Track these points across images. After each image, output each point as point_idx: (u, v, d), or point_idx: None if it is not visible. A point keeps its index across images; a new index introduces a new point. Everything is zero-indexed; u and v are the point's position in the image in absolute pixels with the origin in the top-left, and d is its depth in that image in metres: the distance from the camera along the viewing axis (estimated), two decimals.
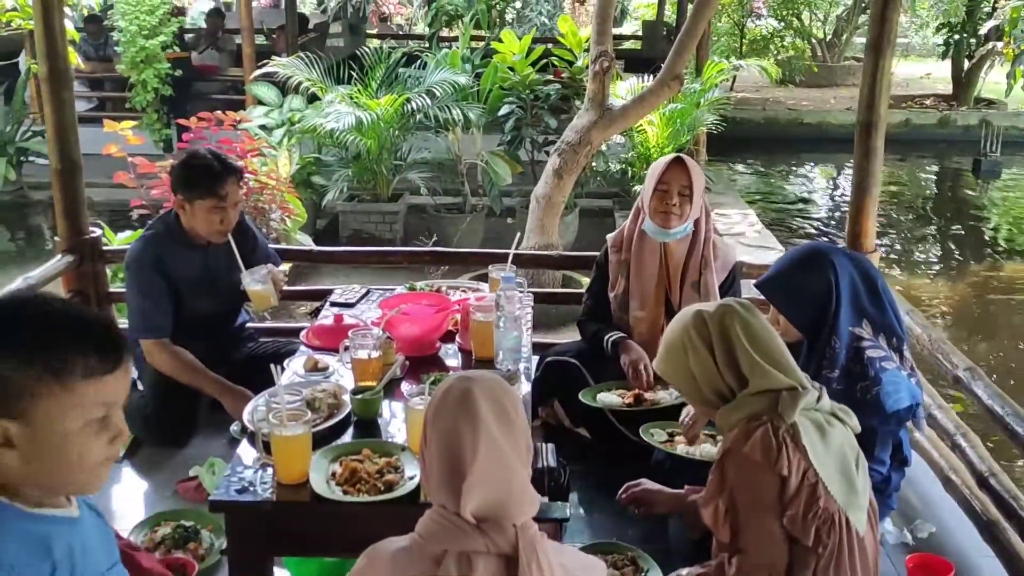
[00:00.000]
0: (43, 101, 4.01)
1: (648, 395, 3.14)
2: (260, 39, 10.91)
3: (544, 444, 2.46)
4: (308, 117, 7.76)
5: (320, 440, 2.38)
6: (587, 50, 6.29)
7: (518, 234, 3.77)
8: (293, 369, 2.90)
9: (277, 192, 5.98)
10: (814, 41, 18.77)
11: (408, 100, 7.58)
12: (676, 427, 2.87)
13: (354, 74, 8.24)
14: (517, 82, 7.83)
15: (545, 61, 8.04)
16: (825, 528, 1.96)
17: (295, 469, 2.24)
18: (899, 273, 8.38)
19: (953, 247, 9.80)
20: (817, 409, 2.07)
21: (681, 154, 3.31)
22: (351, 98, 7.69)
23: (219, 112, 6.39)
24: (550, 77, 8.17)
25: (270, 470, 2.29)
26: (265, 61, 8.48)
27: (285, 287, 3.60)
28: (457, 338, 3.13)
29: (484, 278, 3.87)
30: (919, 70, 19.44)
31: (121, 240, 4.85)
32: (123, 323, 3.62)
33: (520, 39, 7.69)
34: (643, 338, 3.31)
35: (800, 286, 2.60)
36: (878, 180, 3.80)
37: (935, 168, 13.72)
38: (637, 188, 7.05)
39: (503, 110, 8.01)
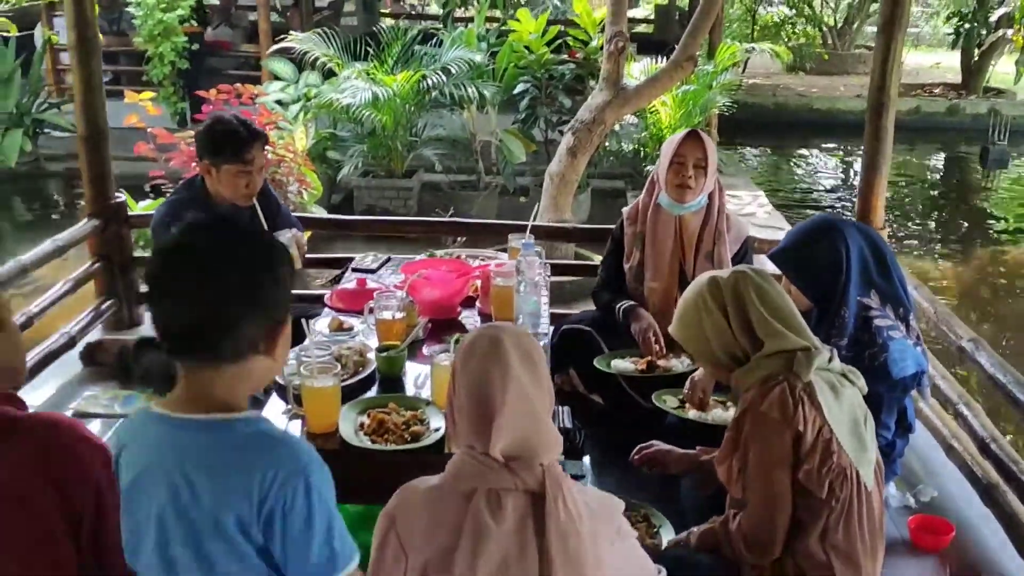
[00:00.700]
0: (71, 69, 4.09)
1: (661, 362, 3.20)
2: (274, 16, 10.90)
3: (560, 407, 2.52)
4: (324, 92, 7.80)
5: (347, 394, 2.46)
6: (602, 30, 6.34)
7: (536, 204, 3.84)
8: (319, 329, 2.97)
9: (295, 164, 6.06)
10: (825, 28, 18.73)
11: (424, 77, 7.61)
12: None
13: (371, 51, 8.28)
14: (532, 61, 7.88)
15: (559, 42, 8.08)
16: (838, 482, 2.04)
17: (325, 419, 2.34)
18: (905, 256, 8.42)
19: (959, 232, 9.85)
20: (829, 369, 2.14)
21: (696, 128, 3.38)
22: (367, 74, 7.74)
23: (237, 85, 6.47)
24: (565, 57, 8.21)
25: (298, 422, 2.38)
26: (282, 36, 8.53)
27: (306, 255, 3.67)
28: (477, 303, 3.21)
29: (502, 251, 3.94)
30: (929, 60, 19.38)
31: (144, 207, 4.94)
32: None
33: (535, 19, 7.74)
34: (657, 308, 3.37)
35: (811, 256, 2.64)
36: (888, 159, 3.86)
37: (943, 156, 13.74)
38: (649, 168, 7.10)
39: (518, 89, 8.06)
